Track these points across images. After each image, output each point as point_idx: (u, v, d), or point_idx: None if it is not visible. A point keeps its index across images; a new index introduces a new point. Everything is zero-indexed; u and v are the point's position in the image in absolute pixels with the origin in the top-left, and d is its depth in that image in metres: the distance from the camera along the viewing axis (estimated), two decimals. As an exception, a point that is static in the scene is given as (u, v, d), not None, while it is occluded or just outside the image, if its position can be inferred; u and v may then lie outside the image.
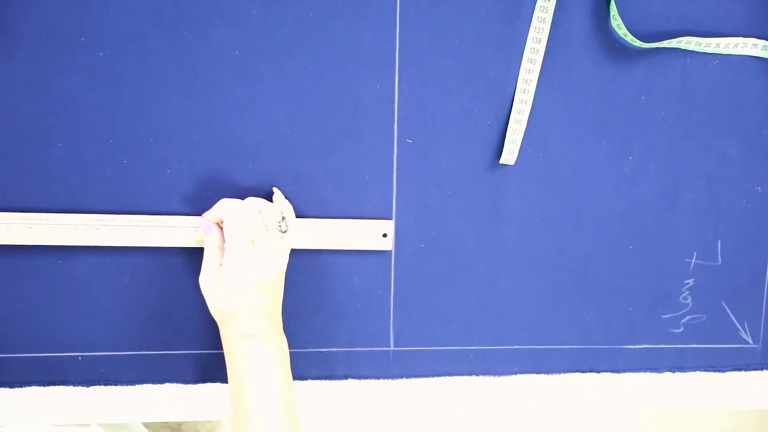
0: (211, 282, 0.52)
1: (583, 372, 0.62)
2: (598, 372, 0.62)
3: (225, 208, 0.52)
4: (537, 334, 0.61)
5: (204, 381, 0.58)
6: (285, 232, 0.54)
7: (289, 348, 0.57)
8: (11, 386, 0.56)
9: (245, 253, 0.51)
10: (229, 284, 0.50)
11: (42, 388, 0.57)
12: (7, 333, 0.56)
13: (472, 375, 0.61)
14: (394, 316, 0.60)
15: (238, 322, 0.51)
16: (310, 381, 0.59)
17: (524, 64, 0.59)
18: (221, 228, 0.54)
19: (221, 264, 0.52)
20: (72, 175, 0.55)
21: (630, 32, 0.58)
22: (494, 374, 0.61)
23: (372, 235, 0.58)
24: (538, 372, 0.62)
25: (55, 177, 0.55)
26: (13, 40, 0.54)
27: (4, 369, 0.56)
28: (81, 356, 0.57)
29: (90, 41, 0.55)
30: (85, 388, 0.57)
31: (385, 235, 0.58)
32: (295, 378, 0.59)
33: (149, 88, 0.55)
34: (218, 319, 0.53)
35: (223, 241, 0.53)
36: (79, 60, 0.55)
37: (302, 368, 0.59)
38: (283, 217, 0.54)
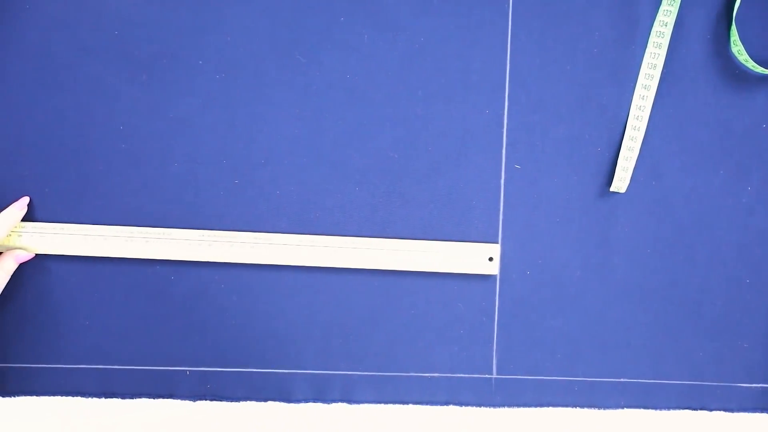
0: None
1: (694, 409, 0.60)
2: (710, 410, 0.60)
3: None
4: (645, 367, 0.59)
5: (308, 401, 0.59)
6: None
7: (391, 371, 0.57)
8: (123, 397, 0.58)
9: None
10: None
11: (151, 400, 0.58)
12: (120, 345, 0.57)
13: (576, 407, 0.59)
14: (497, 343, 0.59)
15: None
16: (411, 405, 0.59)
17: (638, 90, 0.57)
18: None
19: None
20: (186, 194, 0.57)
21: (751, 58, 0.56)
22: (599, 407, 0.59)
23: (477, 258, 0.57)
24: (645, 407, 0.59)
25: (170, 195, 0.57)
26: (136, 65, 0.56)
27: (115, 380, 0.58)
28: (189, 371, 0.58)
29: (207, 65, 0.56)
30: (191, 402, 0.58)
31: (491, 259, 0.57)
32: (394, 402, 0.59)
33: (262, 110, 0.57)
34: None
35: None
36: (197, 83, 0.56)
37: (403, 392, 0.59)
38: None
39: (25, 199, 0.56)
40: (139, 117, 0.56)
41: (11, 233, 0.55)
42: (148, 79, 0.56)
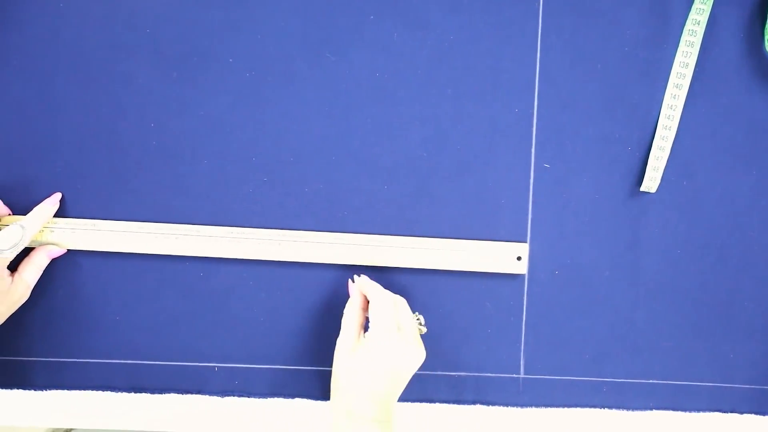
0: (347, 351, 0.51)
1: (725, 412, 0.59)
2: (741, 413, 0.59)
3: (373, 289, 0.53)
4: (675, 369, 0.59)
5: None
6: (423, 325, 0.54)
7: (419, 370, 0.57)
8: (152, 392, 0.58)
9: (391, 337, 0.50)
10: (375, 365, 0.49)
11: (180, 395, 0.58)
12: (150, 341, 0.58)
13: (604, 408, 0.59)
14: (525, 343, 0.58)
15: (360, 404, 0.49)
16: (438, 404, 0.59)
17: (670, 89, 0.57)
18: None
19: (360, 336, 0.52)
20: (215, 191, 0.57)
21: (786, 57, 0.55)
22: (628, 408, 0.59)
23: (506, 257, 0.57)
24: (674, 409, 0.59)
25: (200, 192, 0.57)
26: (167, 62, 0.56)
27: (144, 375, 0.58)
28: (217, 367, 0.58)
29: (238, 63, 0.57)
30: (219, 398, 0.58)
31: (519, 258, 0.57)
32: (423, 400, 0.59)
33: (292, 108, 0.57)
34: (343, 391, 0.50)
35: (365, 311, 0.53)
36: (227, 81, 0.57)
37: (431, 391, 0.58)
38: (418, 318, 0.54)
39: (58, 195, 0.56)
40: (170, 114, 0.57)
41: (44, 229, 0.56)
42: (179, 77, 0.57)
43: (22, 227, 0.53)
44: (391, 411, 0.50)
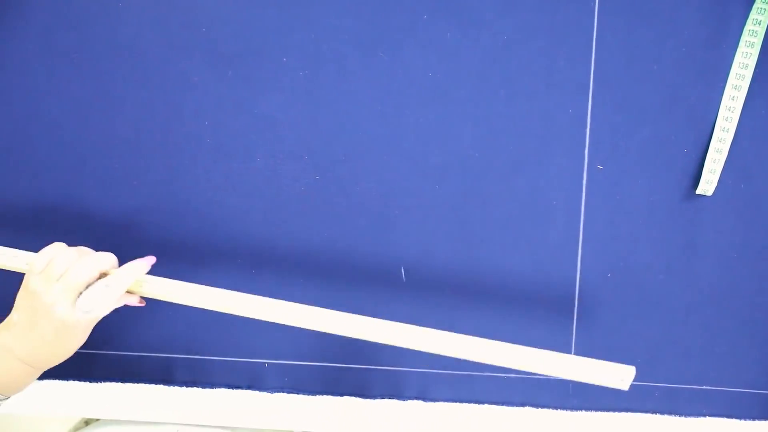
0: None
1: (780, 421, 0.58)
2: (797, 422, 0.58)
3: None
4: (729, 375, 0.58)
5: (383, 397, 0.59)
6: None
7: (467, 370, 0.57)
8: (203, 386, 0.59)
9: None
10: None
11: (230, 390, 0.59)
12: (204, 337, 0.59)
13: (656, 413, 0.58)
14: (575, 345, 0.58)
15: None
16: (486, 405, 0.58)
17: (728, 91, 0.56)
18: None
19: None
20: (268, 189, 0.58)
21: None
22: (680, 414, 0.58)
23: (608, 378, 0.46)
24: (729, 416, 0.58)
25: (252, 190, 0.58)
26: (222, 62, 0.57)
27: (198, 370, 0.59)
28: (267, 363, 0.59)
29: (291, 62, 0.57)
30: (269, 394, 0.59)
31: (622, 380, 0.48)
32: (470, 401, 0.59)
33: (344, 107, 0.57)
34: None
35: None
36: (281, 79, 0.57)
37: (479, 392, 0.58)
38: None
39: (152, 259, 0.50)
40: (225, 113, 0.57)
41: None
42: (233, 76, 0.57)
43: (107, 285, 0.46)
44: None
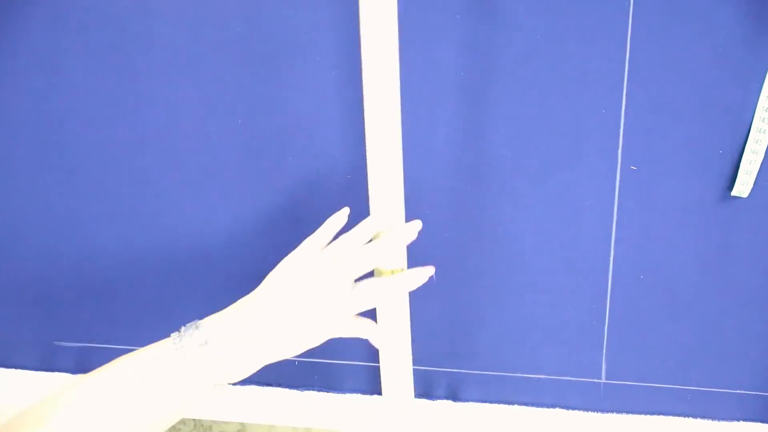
0: None
1: (817, 426, 0.57)
2: (834, 428, 0.57)
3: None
4: (764, 379, 0.57)
5: (420, 396, 0.59)
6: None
7: (498, 371, 0.57)
8: (233, 383, 0.59)
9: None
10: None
11: (259, 387, 0.59)
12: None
13: (689, 417, 0.57)
14: (607, 348, 0.57)
15: None
16: (516, 406, 0.58)
17: (765, 91, 0.55)
18: None
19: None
20: (300, 188, 0.58)
21: None
22: (714, 418, 0.57)
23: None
24: (763, 421, 0.57)
25: (284, 188, 0.58)
26: (255, 60, 0.57)
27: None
28: (297, 360, 0.59)
29: (323, 61, 0.57)
30: (298, 392, 0.59)
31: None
32: (500, 402, 0.58)
33: (375, 106, 0.57)
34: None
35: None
36: (313, 78, 0.57)
37: (509, 393, 0.58)
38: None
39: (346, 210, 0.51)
40: (257, 112, 0.58)
41: None
42: (266, 75, 0.57)
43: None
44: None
